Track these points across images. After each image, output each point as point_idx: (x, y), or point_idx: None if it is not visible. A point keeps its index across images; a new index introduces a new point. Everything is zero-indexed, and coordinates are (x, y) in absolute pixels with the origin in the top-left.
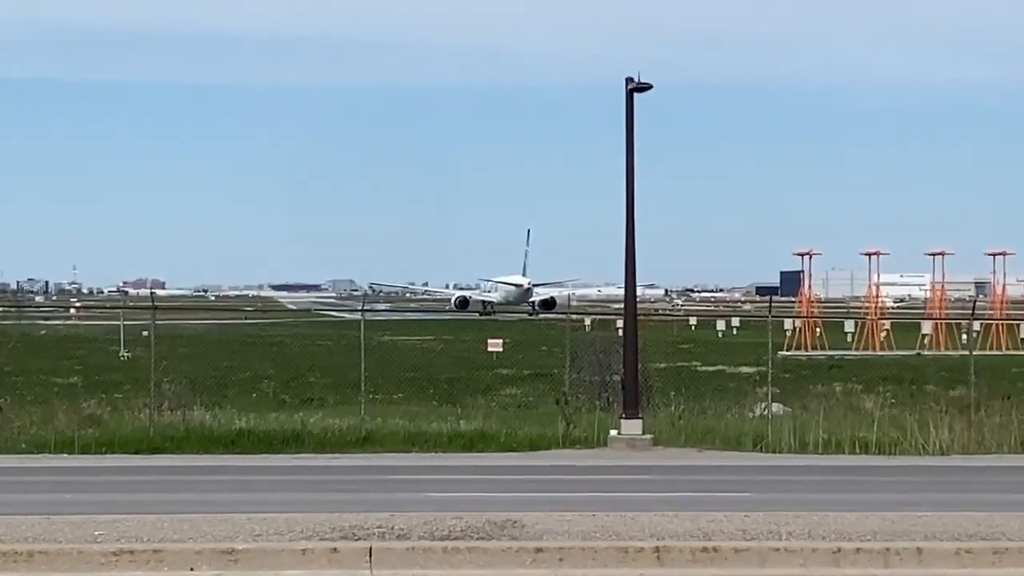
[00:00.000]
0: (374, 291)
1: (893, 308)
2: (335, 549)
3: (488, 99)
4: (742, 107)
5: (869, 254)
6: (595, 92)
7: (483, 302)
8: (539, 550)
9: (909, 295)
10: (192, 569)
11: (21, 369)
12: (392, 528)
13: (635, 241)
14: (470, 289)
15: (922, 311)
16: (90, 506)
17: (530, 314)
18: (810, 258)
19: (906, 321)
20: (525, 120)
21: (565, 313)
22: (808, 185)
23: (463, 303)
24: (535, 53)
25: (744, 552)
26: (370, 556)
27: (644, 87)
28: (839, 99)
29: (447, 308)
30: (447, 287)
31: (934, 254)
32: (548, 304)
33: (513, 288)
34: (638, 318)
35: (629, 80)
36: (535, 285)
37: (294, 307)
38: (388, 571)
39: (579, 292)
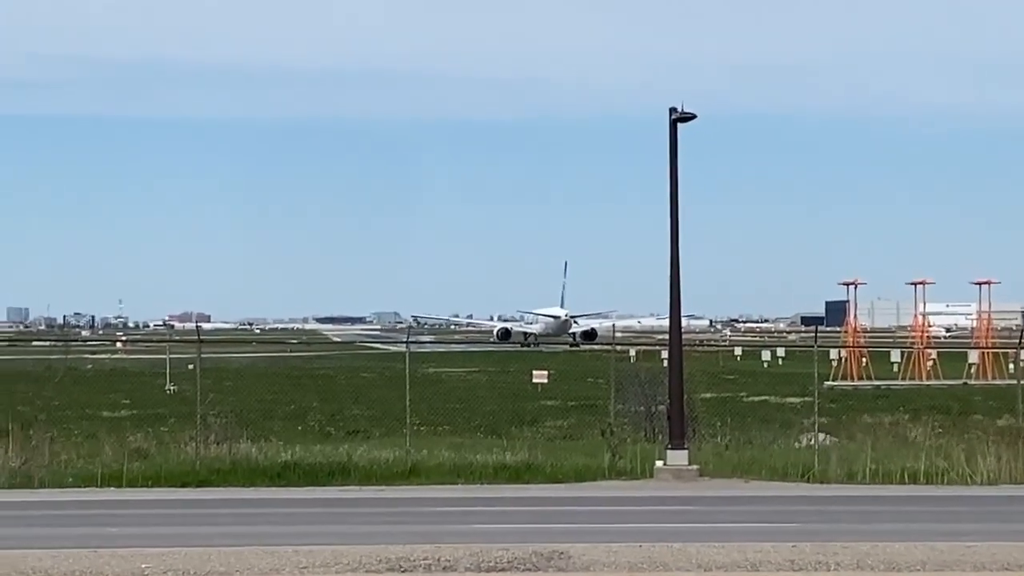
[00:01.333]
0: (418, 323)
1: (945, 337)
2: None
3: (528, 131)
4: (786, 137)
5: (915, 283)
6: (634, 123)
7: (524, 333)
8: None
9: (955, 324)
10: None
11: (68, 403)
12: (438, 560)
13: (680, 270)
14: (513, 321)
15: (969, 340)
16: (137, 539)
17: (572, 345)
18: (855, 288)
19: (953, 351)
20: (565, 152)
21: (611, 344)
22: (853, 215)
23: (505, 335)
24: (574, 84)
25: None
26: None
27: (688, 117)
28: (884, 128)
29: (490, 340)
30: (491, 319)
31: (980, 283)
32: (589, 335)
33: (552, 320)
34: (683, 348)
35: (673, 110)
36: (573, 317)
37: (339, 339)
38: None
39: (620, 324)
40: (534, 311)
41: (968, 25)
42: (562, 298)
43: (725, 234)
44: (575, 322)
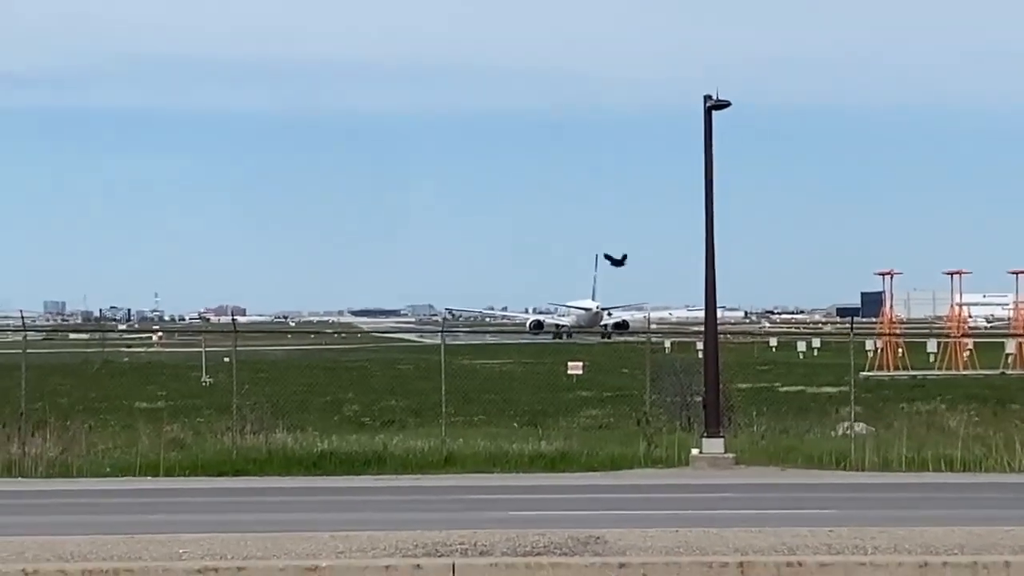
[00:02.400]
0: (453, 316)
1: (986, 328)
2: (418, 566)
3: (562, 122)
4: (821, 127)
5: (951, 273)
6: (668, 114)
7: (556, 325)
8: (622, 565)
9: (992, 315)
10: None
11: (104, 395)
12: (475, 544)
13: (715, 257)
14: (546, 313)
15: (1006, 330)
16: (174, 526)
17: (603, 336)
18: (891, 278)
19: (990, 341)
20: (600, 144)
21: (646, 334)
22: (889, 205)
23: (538, 326)
24: (608, 75)
25: (829, 567)
26: (453, 572)
27: (722, 104)
28: (919, 119)
29: (524, 332)
30: (526, 311)
31: (1017, 272)
32: (621, 327)
33: (583, 312)
34: (719, 337)
35: (707, 98)
36: (604, 309)
37: (371, 330)
38: None
39: (654, 316)
40: (566, 304)
41: (1007, 14)
42: (593, 291)
43: (760, 225)
44: (608, 314)
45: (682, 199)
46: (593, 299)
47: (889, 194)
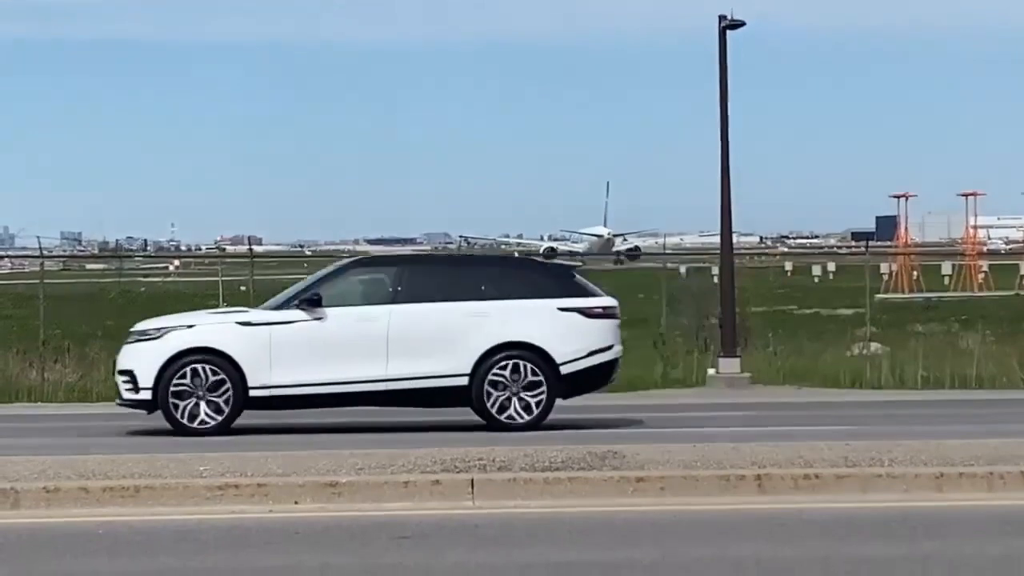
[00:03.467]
0: (468, 243)
1: (1006, 250)
2: (437, 481)
3: (575, 49)
4: (836, 49)
5: (966, 195)
6: (679, 37)
7: (569, 252)
8: (640, 479)
9: (1007, 237)
10: (296, 502)
11: (123, 324)
12: (493, 460)
13: (730, 179)
14: (560, 240)
15: (1022, 252)
16: (194, 447)
17: (616, 262)
18: (906, 201)
19: (1005, 263)
20: (610, 68)
21: (662, 257)
22: (903, 128)
23: (551, 253)
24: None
25: (846, 479)
26: (472, 488)
27: (737, 24)
28: (933, 39)
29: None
30: (541, 238)
31: None
32: (633, 253)
33: (595, 239)
34: (735, 257)
35: (722, 18)
36: (616, 235)
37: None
38: (490, 502)
39: (669, 242)
40: (578, 231)
41: None
42: (605, 217)
43: (774, 150)
44: (624, 239)
45: (695, 125)
46: (605, 226)
47: (903, 117)
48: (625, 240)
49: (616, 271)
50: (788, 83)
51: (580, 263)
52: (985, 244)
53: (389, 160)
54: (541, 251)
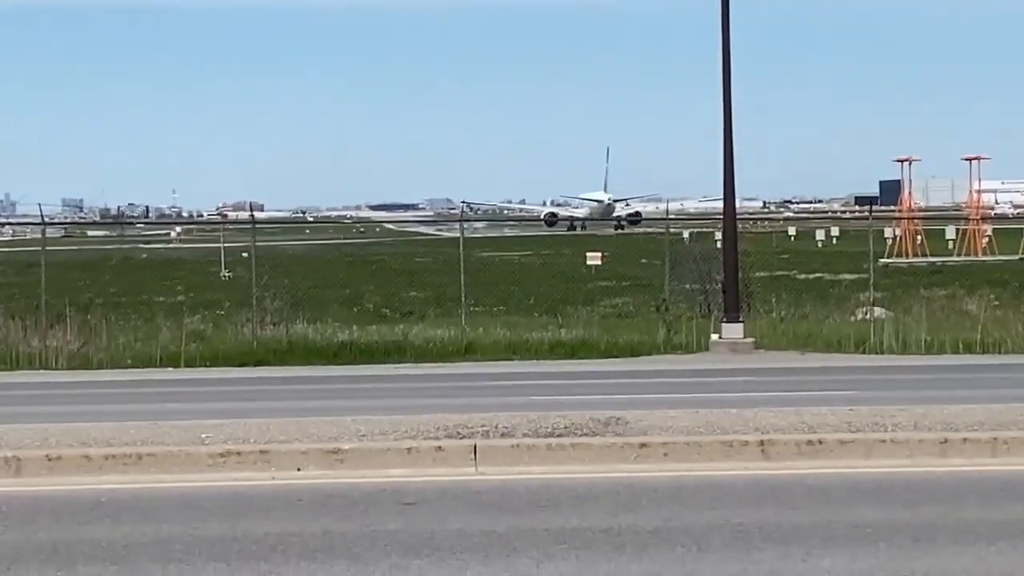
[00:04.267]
0: (471, 209)
1: (1013, 215)
2: (440, 447)
3: (575, 12)
4: (840, 12)
5: (970, 159)
6: (674, 5)
7: (570, 218)
8: (643, 445)
9: (1011, 201)
10: (299, 469)
11: (124, 290)
12: (496, 427)
13: (732, 142)
14: (562, 206)
15: None
16: (196, 414)
17: (616, 227)
18: (910, 165)
19: (1008, 227)
20: (612, 32)
21: (664, 222)
22: (907, 92)
23: (552, 218)
24: None
25: (850, 444)
26: (475, 454)
27: None
28: (938, 3)
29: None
30: (544, 204)
31: None
32: (634, 218)
33: (596, 204)
34: (738, 221)
35: None
36: (616, 200)
37: (392, 226)
38: (493, 468)
39: (671, 208)
40: (579, 196)
41: None
42: (605, 183)
43: (777, 115)
44: (626, 204)
45: (700, 92)
46: (605, 191)
47: (907, 81)
48: (628, 204)
49: (618, 236)
50: (793, 47)
51: (582, 227)
52: (993, 208)
53: (391, 125)
54: (542, 216)
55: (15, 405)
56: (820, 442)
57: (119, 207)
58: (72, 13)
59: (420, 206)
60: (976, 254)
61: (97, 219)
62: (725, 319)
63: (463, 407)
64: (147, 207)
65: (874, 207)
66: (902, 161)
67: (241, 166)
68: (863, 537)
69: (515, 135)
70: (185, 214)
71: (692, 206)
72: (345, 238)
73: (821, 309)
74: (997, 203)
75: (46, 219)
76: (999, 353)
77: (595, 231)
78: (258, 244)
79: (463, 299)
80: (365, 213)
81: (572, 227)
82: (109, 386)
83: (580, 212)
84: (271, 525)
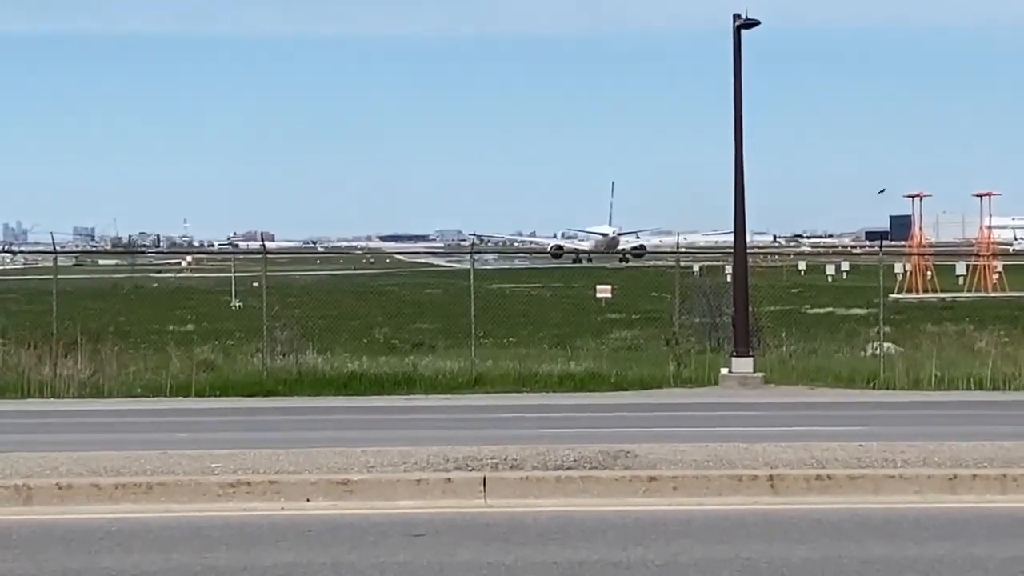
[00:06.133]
0: (481, 240)
1: None
2: (449, 479)
3: (585, 47)
4: (851, 49)
5: (981, 195)
6: (693, 37)
7: (576, 250)
8: (652, 479)
9: (1016, 237)
10: (308, 500)
11: (134, 319)
12: (505, 459)
13: (744, 177)
14: (570, 239)
15: None
16: (206, 444)
17: (621, 260)
18: (920, 200)
19: (1019, 263)
20: (624, 67)
21: (675, 255)
22: (918, 129)
23: (558, 251)
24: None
25: (859, 479)
26: (484, 486)
27: (752, 23)
28: (949, 40)
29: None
30: (554, 236)
31: None
32: (638, 251)
33: (601, 237)
34: (748, 255)
35: (736, 16)
36: (621, 233)
37: (403, 257)
38: (502, 500)
39: (681, 241)
40: (585, 229)
41: None
42: (610, 216)
43: (788, 149)
44: (637, 236)
45: (709, 125)
46: (610, 224)
47: (919, 117)
48: (638, 237)
49: (627, 269)
50: (803, 82)
51: (587, 259)
52: (1012, 244)
53: (403, 156)
54: (548, 248)
55: (26, 433)
56: (829, 477)
57: (130, 236)
58: (84, 42)
59: (431, 237)
60: (986, 290)
61: (108, 248)
62: (735, 353)
63: (472, 439)
64: (158, 236)
65: (884, 242)
66: (913, 196)
67: (252, 196)
68: (872, 573)
69: (527, 168)
70: (196, 243)
71: (702, 239)
72: (355, 268)
73: (831, 344)
74: (1016, 239)
75: (57, 247)
76: (1009, 390)
77: (603, 263)
78: (269, 274)
79: (473, 331)
80: (376, 244)
81: (578, 259)
82: (119, 415)
83: (585, 245)
84: (280, 555)
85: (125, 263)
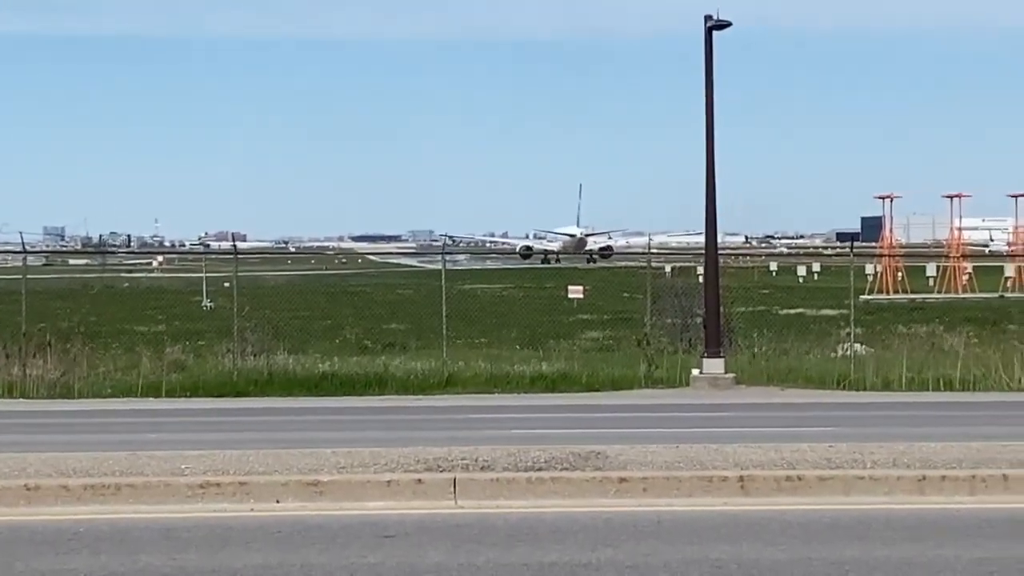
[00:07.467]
0: (453, 241)
1: (1008, 252)
2: (420, 480)
3: (556, 48)
4: (822, 50)
5: (951, 197)
6: (665, 39)
7: (544, 251)
8: (623, 480)
9: (991, 238)
10: (278, 501)
11: (104, 319)
12: (476, 460)
13: (715, 177)
14: (539, 239)
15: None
16: (176, 444)
17: (588, 261)
18: (891, 202)
19: (988, 265)
20: (596, 68)
21: (646, 256)
22: (888, 130)
23: (527, 252)
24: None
25: (829, 481)
26: (454, 487)
27: (723, 24)
28: (919, 41)
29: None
30: (526, 237)
31: (1016, 196)
32: (606, 252)
33: (569, 238)
34: (719, 257)
35: (708, 18)
36: (588, 234)
37: (374, 257)
38: (472, 502)
39: (653, 241)
40: (554, 230)
41: None
42: (578, 218)
43: (759, 151)
44: (610, 236)
45: (679, 126)
46: (578, 226)
47: (889, 118)
48: (610, 238)
49: (596, 269)
50: (774, 84)
51: (556, 260)
52: (987, 246)
53: (374, 157)
54: (518, 249)
55: None
56: (799, 478)
57: (101, 236)
58: (54, 42)
59: (403, 238)
60: (956, 291)
61: (79, 248)
62: (706, 354)
63: (443, 440)
64: (129, 236)
65: (855, 243)
66: (884, 198)
67: (224, 196)
68: (842, 574)
69: (498, 169)
70: (167, 243)
71: (674, 240)
72: (327, 269)
73: (802, 345)
74: (992, 240)
75: (27, 247)
76: (978, 391)
77: (573, 263)
78: (240, 274)
79: (444, 331)
80: (347, 244)
81: (546, 260)
82: (89, 416)
83: (554, 245)
84: (250, 557)
85: (96, 263)
